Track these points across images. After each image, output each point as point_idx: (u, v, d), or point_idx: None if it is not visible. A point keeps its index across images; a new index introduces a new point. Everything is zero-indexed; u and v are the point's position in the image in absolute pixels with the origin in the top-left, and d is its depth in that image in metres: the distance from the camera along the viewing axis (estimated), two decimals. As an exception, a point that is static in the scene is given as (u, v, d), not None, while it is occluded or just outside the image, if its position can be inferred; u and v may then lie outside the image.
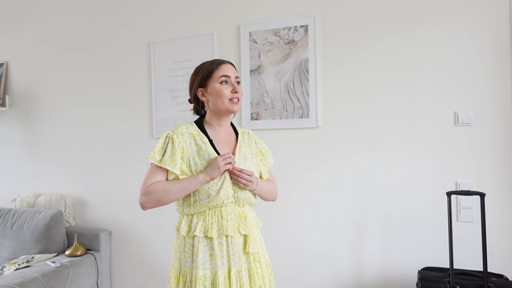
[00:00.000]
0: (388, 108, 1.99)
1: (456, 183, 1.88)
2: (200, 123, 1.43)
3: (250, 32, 2.25)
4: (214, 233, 1.31)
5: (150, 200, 1.33)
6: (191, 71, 1.48)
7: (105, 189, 2.67)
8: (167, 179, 1.35)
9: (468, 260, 1.80)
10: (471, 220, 1.86)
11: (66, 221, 2.66)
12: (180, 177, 1.33)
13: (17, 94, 2.95)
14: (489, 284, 1.58)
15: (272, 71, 2.20)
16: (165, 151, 1.34)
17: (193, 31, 2.41)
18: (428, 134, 1.93)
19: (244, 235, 1.36)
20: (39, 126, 2.88)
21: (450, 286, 1.60)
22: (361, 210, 2.05)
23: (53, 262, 2.25)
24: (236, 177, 1.33)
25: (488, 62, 1.83)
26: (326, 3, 2.11)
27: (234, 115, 1.44)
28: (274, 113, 2.20)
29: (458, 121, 1.87)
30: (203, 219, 1.33)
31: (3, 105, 2.91)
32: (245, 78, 2.25)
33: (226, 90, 1.36)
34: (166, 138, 1.36)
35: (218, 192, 1.32)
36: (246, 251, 1.34)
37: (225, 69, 1.39)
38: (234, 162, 1.34)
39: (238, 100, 1.38)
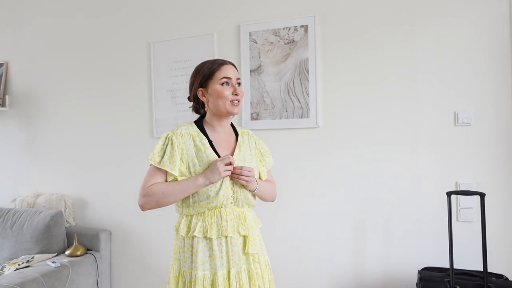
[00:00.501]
0: (388, 108, 1.99)
1: (456, 183, 1.88)
2: (200, 124, 1.43)
3: (250, 32, 2.25)
4: (213, 234, 1.31)
5: (149, 201, 1.33)
6: (191, 71, 1.47)
7: (105, 189, 2.67)
8: (166, 180, 1.35)
9: (468, 260, 1.80)
10: (471, 220, 1.86)
11: (66, 221, 2.66)
12: (179, 178, 1.33)
13: (17, 94, 2.95)
14: (489, 284, 1.58)
15: (272, 71, 2.20)
16: (164, 152, 1.34)
17: (193, 31, 2.41)
18: (428, 134, 1.92)
19: (244, 236, 1.36)
20: (39, 126, 2.89)
21: (450, 286, 1.60)
22: (361, 210, 2.05)
23: (53, 262, 2.25)
24: (237, 176, 1.33)
25: (488, 62, 1.83)
26: (326, 3, 2.11)
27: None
28: (274, 113, 2.20)
29: (458, 121, 1.87)
30: (203, 220, 1.33)
31: (3, 105, 2.91)
32: (245, 78, 2.25)
33: (227, 92, 1.36)
34: (166, 139, 1.36)
35: (217, 193, 1.32)
36: (246, 251, 1.34)
37: (227, 71, 1.38)
38: (234, 162, 1.33)
39: (239, 102, 1.38)
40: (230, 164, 1.31)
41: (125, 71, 2.61)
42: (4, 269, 2.20)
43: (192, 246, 1.33)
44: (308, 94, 2.12)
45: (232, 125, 1.49)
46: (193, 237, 1.33)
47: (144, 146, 2.53)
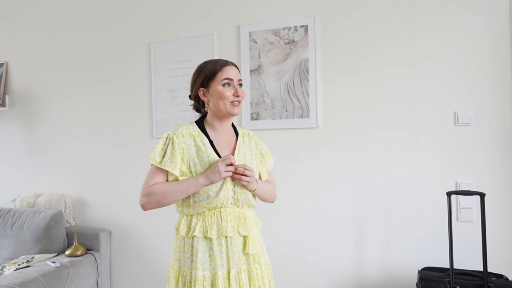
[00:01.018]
0: (388, 108, 1.99)
1: (456, 183, 1.88)
2: (201, 123, 1.43)
3: (250, 32, 2.25)
4: (213, 234, 1.31)
5: (150, 201, 1.33)
6: (191, 71, 1.47)
7: (105, 189, 2.67)
8: (167, 180, 1.35)
9: (468, 260, 1.80)
10: (471, 220, 1.86)
11: (66, 221, 2.66)
12: (180, 178, 1.33)
13: (17, 94, 2.95)
14: (489, 284, 1.58)
15: (272, 71, 2.20)
16: (165, 152, 1.34)
17: (193, 31, 2.41)
18: (428, 134, 1.92)
19: (244, 236, 1.36)
20: (39, 126, 2.88)
21: (450, 286, 1.60)
22: (361, 210, 2.05)
23: (53, 262, 2.25)
24: (239, 176, 1.33)
25: (488, 62, 1.83)
26: (326, 3, 2.11)
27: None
28: (274, 113, 2.20)
29: (458, 121, 1.87)
30: (203, 220, 1.33)
31: (3, 105, 2.91)
32: (245, 78, 2.25)
33: (228, 93, 1.36)
34: (167, 139, 1.36)
35: (217, 193, 1.32)
36: (246, 252, 1.34)
37: (229, 72, 1.38)
38: (235, 163, 1.33)
39: (239, 103, 1.38)
40: (231, 164, 1.31)
41: (125, 71, 2.61)
42: (4, 269, 2.20)
43: (192, 246, 1.33)
44: (308, 94, 2.12)
45: (233, 125, 1.49)
46: (193, 237, 1.33)
47: (144, 146, 2.53)
